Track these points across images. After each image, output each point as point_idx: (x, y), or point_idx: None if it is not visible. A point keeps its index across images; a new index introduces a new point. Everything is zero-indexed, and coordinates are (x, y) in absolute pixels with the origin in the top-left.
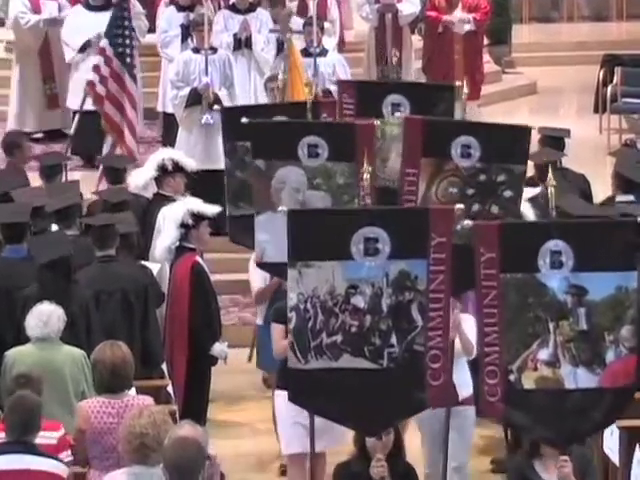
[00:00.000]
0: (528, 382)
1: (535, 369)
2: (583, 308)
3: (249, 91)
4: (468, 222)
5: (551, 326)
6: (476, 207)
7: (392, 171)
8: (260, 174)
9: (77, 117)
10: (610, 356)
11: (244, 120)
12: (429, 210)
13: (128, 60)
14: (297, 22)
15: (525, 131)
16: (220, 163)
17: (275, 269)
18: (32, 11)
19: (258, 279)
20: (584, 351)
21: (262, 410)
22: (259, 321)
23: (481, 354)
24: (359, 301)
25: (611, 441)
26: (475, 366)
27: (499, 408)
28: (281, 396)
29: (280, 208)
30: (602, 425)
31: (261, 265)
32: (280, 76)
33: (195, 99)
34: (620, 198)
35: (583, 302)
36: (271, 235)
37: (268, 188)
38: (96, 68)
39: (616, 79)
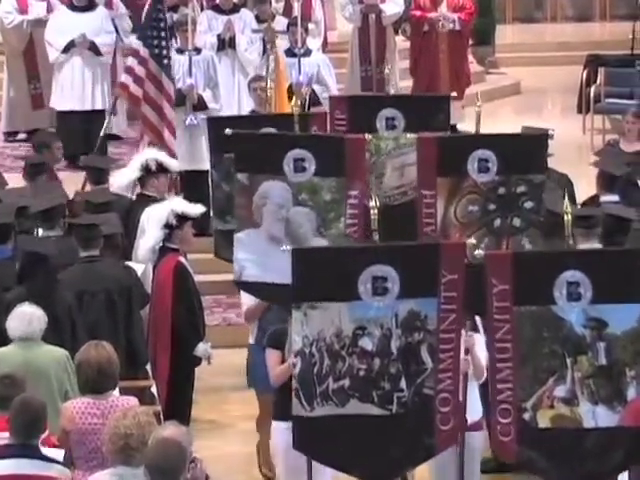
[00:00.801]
0: (544, 421)
1: (551, 407)
2: (603, 342)
3: (233, 92)
4: (480, 252)
5: (568, 361)
6: (498, 222)
7: (388, 187)
8: (243, 189)
9: (57, 118)
10: (631, 393)
11: (228, 131)
12: (439, 245)
13: (165, 62)
14: (282, 22)
15: (542, 139)
16: (204, 164)
17: (254, 289)
18: (19, 11)
19: (247, 297)
20: (604, 387)
21: (246, 410)
22: (250, 340)
23: (493, 392)
24: (367, 343)
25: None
26: (485, 389)
27: (513, 448)
28: (279, 430)
29: (283, 247)
30: (623, 467)
31: (239, 284)
32: (266, 83)
33: (179, 100)
34: (604, 198)
35: (603, 336)
36: (251, 253)
37: (250, 204)
38: (129, 69)
39: (599, 79)
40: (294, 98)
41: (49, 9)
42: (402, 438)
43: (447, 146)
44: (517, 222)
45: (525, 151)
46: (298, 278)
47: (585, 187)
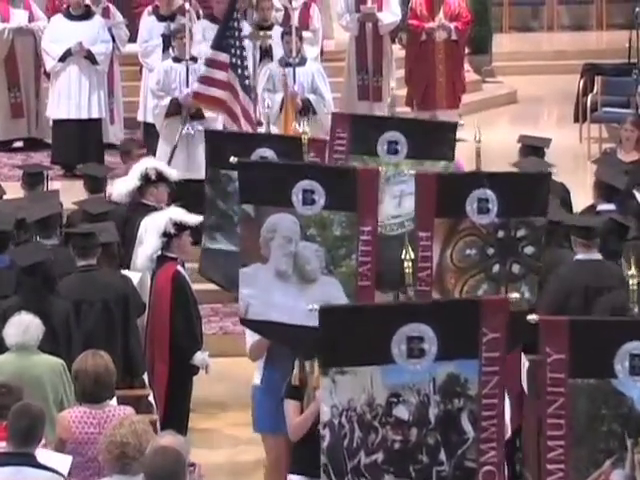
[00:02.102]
0: None
1: None
2: None
3: None
4: (534, 317)
5: (629, 443)
6: (497, 268)
7: (385, 216)
8: (248, 221)
9: (53, 126)
10: None
11: (233, 159)
12: (480, 302)
13: (239, 71)
14: (278, 30)
15: (544, 179)
16: (200, 173)
17: (260, 328)
18: (0, 19)
19: (251, 333)
20: None
21: (243, 419)
22: (256, 380)
23: (543, 472)
24: (402, 412)
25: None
26: (508, 448)
27: None
28: None
29: (310, 306)
30: None
31: (244, 322)
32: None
33: (176, 109)
34: (601, 207)
35: None
36: (258, 290)
37: (257, 237)
38: (204, 79)
39: (596, 88)
40: (297, 123)
41: (31, 18)
42: None
43: (447, 184)
44: (516, 268)
45: (526, 191)
46: (325, 340)
47: (582, 196)
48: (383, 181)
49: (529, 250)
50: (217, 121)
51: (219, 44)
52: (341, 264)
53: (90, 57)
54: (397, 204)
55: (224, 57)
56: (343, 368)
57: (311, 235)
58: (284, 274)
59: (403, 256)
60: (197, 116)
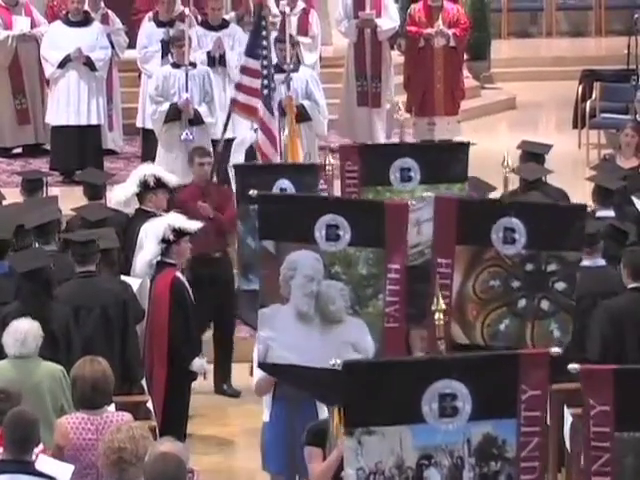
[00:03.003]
0: None
1: None
2: None
3: (224, 109)
4: (575, 366)
5: None
6: (523, 302)
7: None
8: (268, 258)
9: (52, 132)
10: None
11: (252, 192)
12: (518, 355)
13: (265, 92)
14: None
15: (581, 211)
16: None
17: (280, 372)
18: (3, 26)
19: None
20: None
21: (242, 425)
22: (265, 418)
23: None
24: (434, 476)
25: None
26: None
27: None
28: None
29: (333, 361)
30: None
31: (263, 367)
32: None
33: (174, 115)
34: (600, 214)
35: None
36: (278, 332)
37: (276, 275)
38: (239, 85)
39: (595, 94)
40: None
41: (33, 24)
42: None
43: (469, 210)
44: (545, 305)
45: (560, 224)
46: (352, 398)
47: (580, 202)
48: None
49: (560, 286)
50: (216, 127)
51: (251, 51)
52: (367, 304)
53: (89, 63)
54: (416, 232)
55: (255, 64)
56: (370, 428)
57: (335, 273)
58: (305, 315)
59: (433, 307)
60: (196, 121)
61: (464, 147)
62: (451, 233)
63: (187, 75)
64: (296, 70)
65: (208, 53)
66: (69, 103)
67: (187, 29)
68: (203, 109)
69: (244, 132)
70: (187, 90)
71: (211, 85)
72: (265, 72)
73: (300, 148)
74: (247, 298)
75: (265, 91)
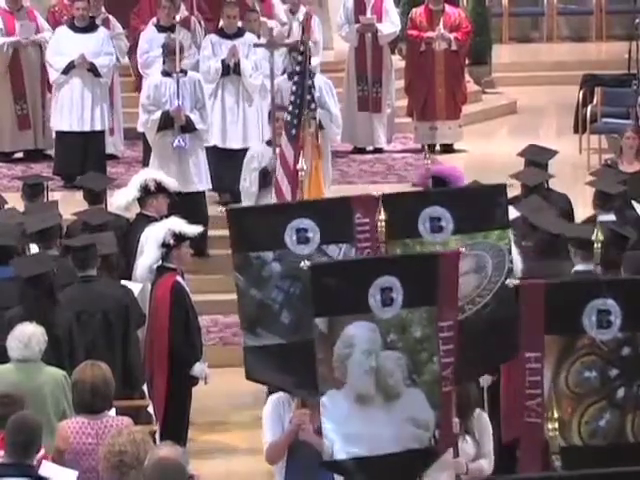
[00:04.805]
0: None
1: None
2: None
3: (237, 120)
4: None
5: None
6: (621, 392)
7: None
8: (322, 339)
9: (55, 138)
10: None
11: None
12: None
13: (288, 118)
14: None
15: None
16: (194, 186)
17: (347, 469)
18: (5, 32)
19: (270, 431)
20: None
21: (243, 431)
22: None
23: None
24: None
25: None
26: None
27: None
28: None
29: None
30: None
31: (329, 465)
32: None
33: (167, 122)
34: (602, 218)
35: None
36: (337, 423)
37: (330, 357)
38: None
39: (596, 99)
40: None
41: (37, 30)
42: None
43: (558, 295)
44: None
45: None
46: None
47: (582, 207)
48: None
49: None
50: (209, 134)
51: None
52: (424, 371)
53: (93, 69)
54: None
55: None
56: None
57: (392, 342)
58: (366, 397)
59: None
60: (188, 128)
61: (501, 188)
62: (539, 323)
63: (178, 83)
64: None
65: (223, 61)
66: (72, 109)
67: (179, 38)
68: (195, 116)
69: (255, 145)
70: (179, 97)
71: (202, 91)
72: (292, 98)
73: (323, 183)
74: (257, 356)
75: (288, 117)
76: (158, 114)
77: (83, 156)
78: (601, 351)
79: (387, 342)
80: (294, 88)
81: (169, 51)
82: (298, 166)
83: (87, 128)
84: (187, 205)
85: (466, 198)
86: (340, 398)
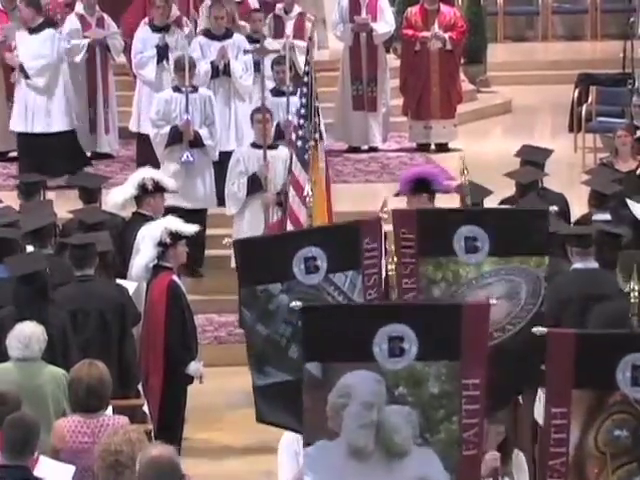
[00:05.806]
0: None
1: None
2: None
3: (229, 121)
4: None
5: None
6: None
7: None
8: (314, 385)
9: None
10: None
11: (294, 304)
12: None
13: (299, 143)
14: (272, 44)
15: None
16: (200, 202)
17: None
18: None
19: (287, 466)
20: None
21: (239, 430)
22: None
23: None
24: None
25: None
26: None
27: None
28: None
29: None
30: None
31: None
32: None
33: (176, 137)
34: (597, 217)
35: None
36: (325, 475)
37: (322, 404)
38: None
39: (591, 98)
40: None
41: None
42: None
43: (590, 346)
44: None
45: None
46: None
47: (577, 206)
48: (465, 285)
49: None
50: (216, 150)
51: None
52: (439, 429)
53: (23, 71)
54: None
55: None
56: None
57: (400, 395)
58: (362, 451)
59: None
60: (196, 144)
61: (542, 213)
62: (568, 376)
63: (187, 98)
64: (295, 93)
65: (212, 63)
66: (27, 111)
67: (187, 54)
68: (204, 132)
69: (240, 148)
70: (188, 112)
71: (212, 108)
72: (302, 121)
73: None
74: (266, 396)
75: (299, 142)
76: (167, 129)
77: (71, 155)
78: (634, 410)
79: (394, 395)
80: (303, 111)
81: (179, 67)
82: (304, 193)
83: (39, 130)
84: (189, 221)
85: (506, 219)
86: (332, 450)
